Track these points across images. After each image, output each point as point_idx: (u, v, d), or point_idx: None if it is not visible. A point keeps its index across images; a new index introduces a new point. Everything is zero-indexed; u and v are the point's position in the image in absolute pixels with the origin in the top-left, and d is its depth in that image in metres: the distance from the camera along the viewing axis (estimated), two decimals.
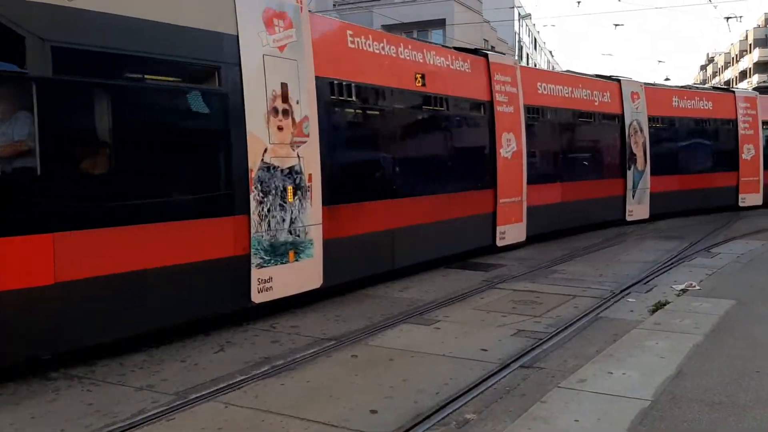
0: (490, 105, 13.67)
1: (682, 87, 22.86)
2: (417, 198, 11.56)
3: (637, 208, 18.48)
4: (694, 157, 21.27)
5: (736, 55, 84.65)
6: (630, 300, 9.50)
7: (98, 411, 5.50)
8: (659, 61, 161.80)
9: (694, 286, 9.75)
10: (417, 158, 11.91)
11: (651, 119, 19.08)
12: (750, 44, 77.29)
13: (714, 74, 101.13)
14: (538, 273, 11.76)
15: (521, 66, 16.79)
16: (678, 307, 8.53)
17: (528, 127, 14.60)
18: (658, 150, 19.25)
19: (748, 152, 22.36)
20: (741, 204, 22.02)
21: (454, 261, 12.44)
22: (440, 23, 33.09)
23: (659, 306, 8.72)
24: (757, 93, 23.31)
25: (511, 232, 14.10)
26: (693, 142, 21.21)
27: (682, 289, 9.72)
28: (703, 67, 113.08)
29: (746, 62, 78.40)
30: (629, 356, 6.42)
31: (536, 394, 5.63)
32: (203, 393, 5.86)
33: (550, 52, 78.19)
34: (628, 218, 18.17)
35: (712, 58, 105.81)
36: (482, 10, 37.71)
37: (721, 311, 8.15)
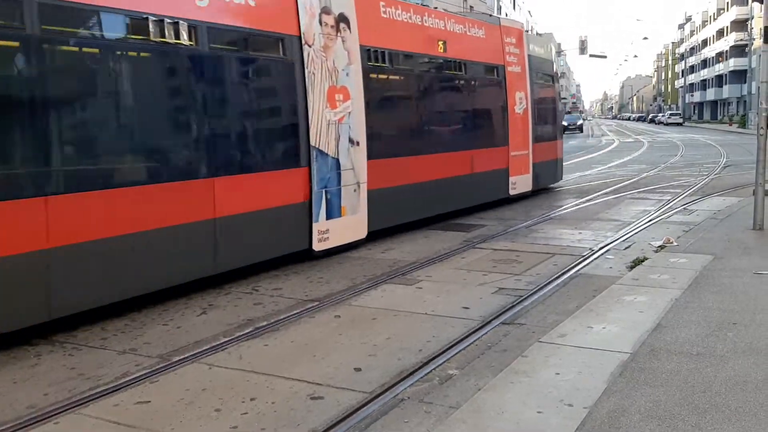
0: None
1: None
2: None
3: None
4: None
5: (714, 14, 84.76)
6: (608, 257, 9.61)
7: (81, 374, 5.49)
8: (637, 20, 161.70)
9: (672, 243, 9.87)
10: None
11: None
12: (727, 2, 77.30)
13: (692, 33, 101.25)
14: (518, 232, 11.83)
15: None
16: (656, 262, 8.64)
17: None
18: None
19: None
20: None
21: (436, 222, 12.45)
22: None
23: (637, 262, 8.83)
24: None
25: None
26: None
27: (660, 246, 9.84)
28: (681, 26, 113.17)
29: (723, 20, 78.50)
30: (608, 311, 6.51)
31: (517, 350, 5.70)
32: (187, 355, 5.86)
33: (529, 11, 77.79)
34: None
35: (690, 17, 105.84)
36: None
37: (699, 266, 8.26)
